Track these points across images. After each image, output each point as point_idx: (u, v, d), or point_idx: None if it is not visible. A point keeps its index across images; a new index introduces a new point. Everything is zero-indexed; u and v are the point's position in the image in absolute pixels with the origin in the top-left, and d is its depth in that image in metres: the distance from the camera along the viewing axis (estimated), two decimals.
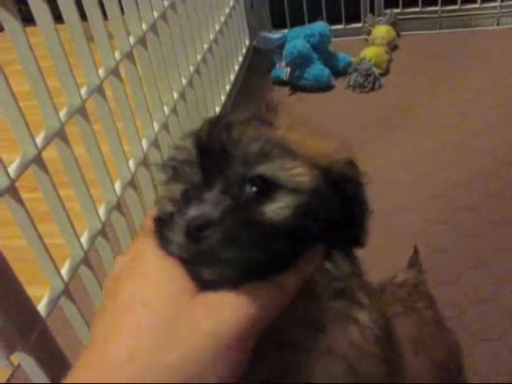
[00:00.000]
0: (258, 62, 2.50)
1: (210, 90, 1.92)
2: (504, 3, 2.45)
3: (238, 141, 0.49)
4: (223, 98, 2.08)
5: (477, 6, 2.48)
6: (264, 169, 0.48)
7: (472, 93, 2.06)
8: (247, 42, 2.54)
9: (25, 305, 0.89)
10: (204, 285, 0.47)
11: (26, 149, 0.93)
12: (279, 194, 0.48)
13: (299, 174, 0.49)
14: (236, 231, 0.45)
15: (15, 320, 0.85)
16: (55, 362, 0.97)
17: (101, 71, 1.19)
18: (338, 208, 0.52)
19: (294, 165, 0.49)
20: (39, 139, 0.96)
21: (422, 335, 0.80)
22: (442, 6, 2.49)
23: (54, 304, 0.97)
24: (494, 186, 1.59)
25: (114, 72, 1.24)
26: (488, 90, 2.06)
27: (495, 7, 2.47)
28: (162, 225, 0.49)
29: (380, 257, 1.39)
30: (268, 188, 0.48)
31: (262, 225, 0.47)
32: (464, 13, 2.50)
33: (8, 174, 0.86)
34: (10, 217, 0.91)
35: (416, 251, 1.07)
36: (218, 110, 2.00)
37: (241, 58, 2.39)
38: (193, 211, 0.46)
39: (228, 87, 2.16)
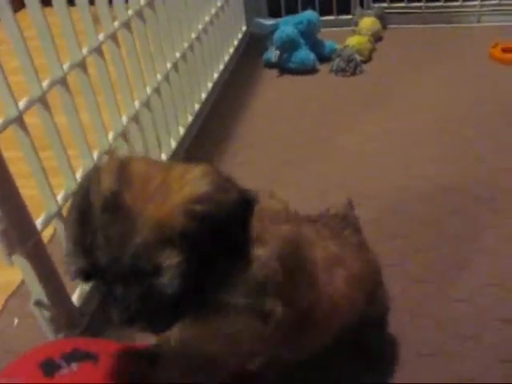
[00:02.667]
0: (252, 47, 2.69)
1: (203, 67, 2.11)
2: (484, 2, 2.63)
3: (111, 251, 0.63)
4: (216, 75, 2.27)
5: (458, 3, 2.67)
6: (142, 265, 0.63)
7: (449, 84, 2.23)
8: (244, 28, 2.72)
9: (24, 215, 1.08)
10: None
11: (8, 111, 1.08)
12: (160, 273, 0.64)
13: (165, 260, 0.63)
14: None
15: (16, 225, 1.04)
16: (47, 272, 1.16)
17: (100, 36, 1.39)
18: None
19: (159, 253, 0.63)
20: (21, 103, 1.11)
21: (342, 254, 0.97)
22: (426, 2, 2.68)
23: (48, 221, 1.16)
24: (466, 162, 1.76)
25: (113, 38, 1.44)
26: (464, 82, 2.23)
27: (475, 6, 2.65)
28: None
29: None
30: (151, 272, 0.64)
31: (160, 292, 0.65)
32: (446, 10, 2.68)
33: None
34: None
35: (350, 205, 1.22)
36: (210, 85, 2.19)
37: (236, 42, 2.58)
38: (116, 315, 0.66)
39: (221, 67, 2.35)
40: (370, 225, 1.33)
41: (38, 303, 1.16)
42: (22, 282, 1.40)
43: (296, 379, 1.09)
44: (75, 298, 1.28)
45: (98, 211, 0.63)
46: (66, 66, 1.25)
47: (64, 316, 1.21)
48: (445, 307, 1.26)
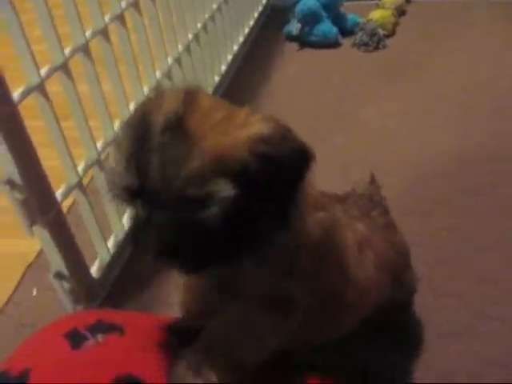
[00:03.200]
0: (273, 20, 2.63)
1: (223, 39, 2.07)
2: None
3: (165, 173, 0.60)
4: (235, 48, 2.24)
5: None
6: (193, 191, 0.60)
7: (472, 58, 2.18)
8: (264, 0, 2.67)
9: (45, 185, 1.06)
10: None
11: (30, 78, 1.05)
12: (209, 204, 0.61)
13: (220, 190, 0.60)
14: (188, 248, 0.64)
15: (37, 195, 1.02)
16: (66, 243, 1.15)
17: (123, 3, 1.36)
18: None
19: (214, 182, 0.60)
20: (43, 70, 1.09)
21: (371, 235, 0.94)
22: None
23: (68, 192, 1.15)
24: (488, 137, 1.73)
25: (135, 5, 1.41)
26: (487, 55, 2.18)
27: None
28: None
29: None
30: (200, 201, 0.61)
31: (203, 226, 0.62)
32: None
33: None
34: None
35: (372, 179, 1.19)
36: (230, 58, 2.16)
37: (256, 14, 2.53)
38: (152, 244, 0.63)
39: (241, 39, 2.31)
40: (392, 202, 1.30)
41: (58, 275, 1.15)
42: (39, 254, 1.39)
43: (318, 361, 1.07)
44: (94, 270, 1.27)
45: (158, 131, 0.61)
46: (88, 33, 1.22)
47: (83, 288, 1.20)
48: (469, 287, 1.24)
